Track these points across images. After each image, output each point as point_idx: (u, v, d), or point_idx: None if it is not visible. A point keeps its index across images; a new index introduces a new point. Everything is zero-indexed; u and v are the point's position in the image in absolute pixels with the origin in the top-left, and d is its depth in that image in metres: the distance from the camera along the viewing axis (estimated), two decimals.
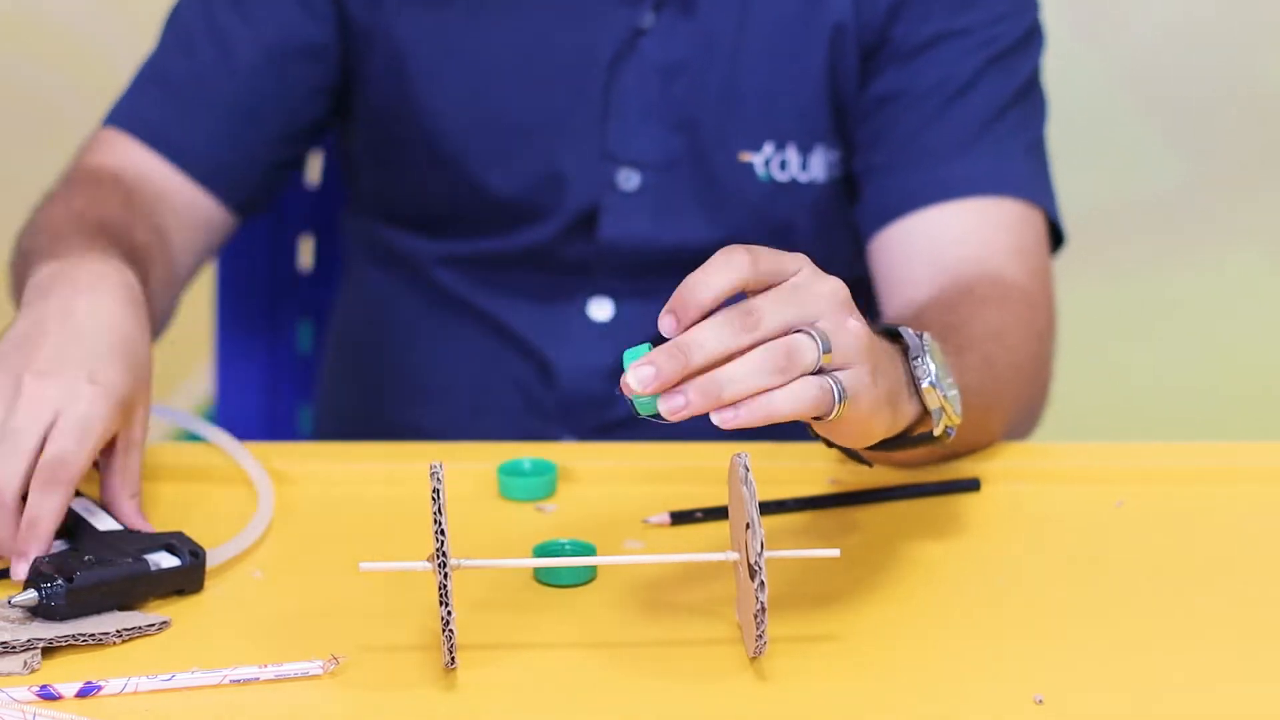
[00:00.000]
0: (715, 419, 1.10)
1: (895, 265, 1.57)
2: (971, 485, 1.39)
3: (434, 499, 1.12)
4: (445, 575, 1.11)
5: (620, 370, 1.15)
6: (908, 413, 1.21)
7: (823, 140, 1.65)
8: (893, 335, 1.24)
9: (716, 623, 1.20)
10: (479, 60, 1.64)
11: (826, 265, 1.70)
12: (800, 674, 1.15)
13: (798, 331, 1.12)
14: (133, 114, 1.65)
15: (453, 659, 1.13)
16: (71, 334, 1.29)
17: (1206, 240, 2.57)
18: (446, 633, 1.12)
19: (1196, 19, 2.50)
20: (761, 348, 1.11)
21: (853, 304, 1.15)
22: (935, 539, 1.32)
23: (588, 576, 1.25)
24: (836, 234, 1.69)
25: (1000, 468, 1.42)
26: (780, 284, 1.13)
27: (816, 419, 1.13)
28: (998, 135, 1.58)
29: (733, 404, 1.10)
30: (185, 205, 1.63)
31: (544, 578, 1.25)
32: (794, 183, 1.65)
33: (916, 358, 1.21)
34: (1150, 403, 2.59)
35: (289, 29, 1.64)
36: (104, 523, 1.28)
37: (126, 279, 1.34)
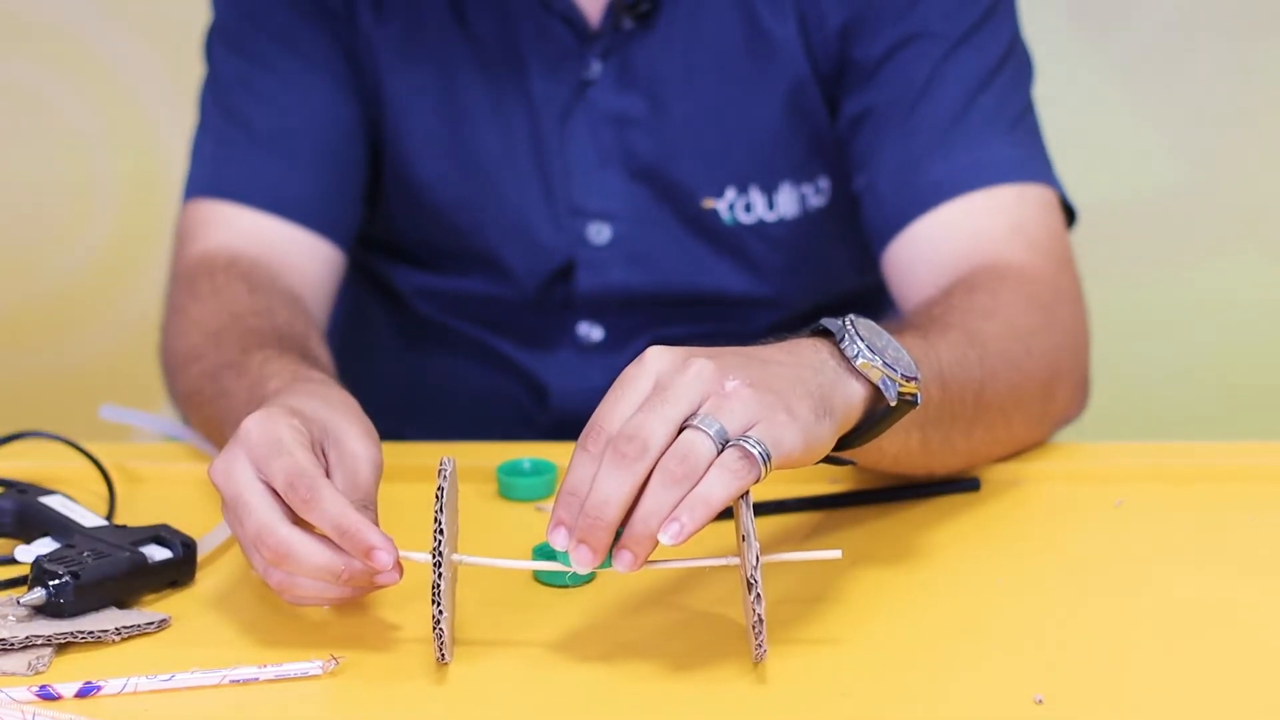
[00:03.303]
0: (666, 542, 1.09)
1: (901, 277, 1.55)
2: (971, 485, 1.39)
3: (437, 497, 1.12)
4: (439, 575, 1.11)
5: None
6: (853, 400, 1.18)
7: (788, 177, 1.64)
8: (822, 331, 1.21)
9: (716, 623, 1.20)
10: (450, 114, 1.63)
11: (816, 292, 1.70)
12: (800, 674, 1.15)
13: (683, 429, 1.11)
14: (226, 180, 1.61)
15: (443, 655, 1.13)
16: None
17: (1206, 240, 2.57)
18: (437, 631, 1.12)
19: (1196, 18, 2.50)
20: (657, 469, 1.10)
21: (726, 368, 1.13)
22: (935, 539, 1.32)
23: (588, 577, 1.25)
24: (822, 259, 1.68)
25: (1000, 468, 1.42)
26: (649, 396, 1.12)
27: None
28: (973, 125, 1.55)
29: (670, 522, 1.09)
30: (306, 257, 1.60)
31: (544, 578, 1.25)
32: (761, 223, 1.65)
33: (841, 340, 1.19)
34: (1150, 403, 2.59)
35: (322, 73, 1.62)
36: (88, 519, 1.28)
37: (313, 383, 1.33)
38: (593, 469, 1.11)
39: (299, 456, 1.17)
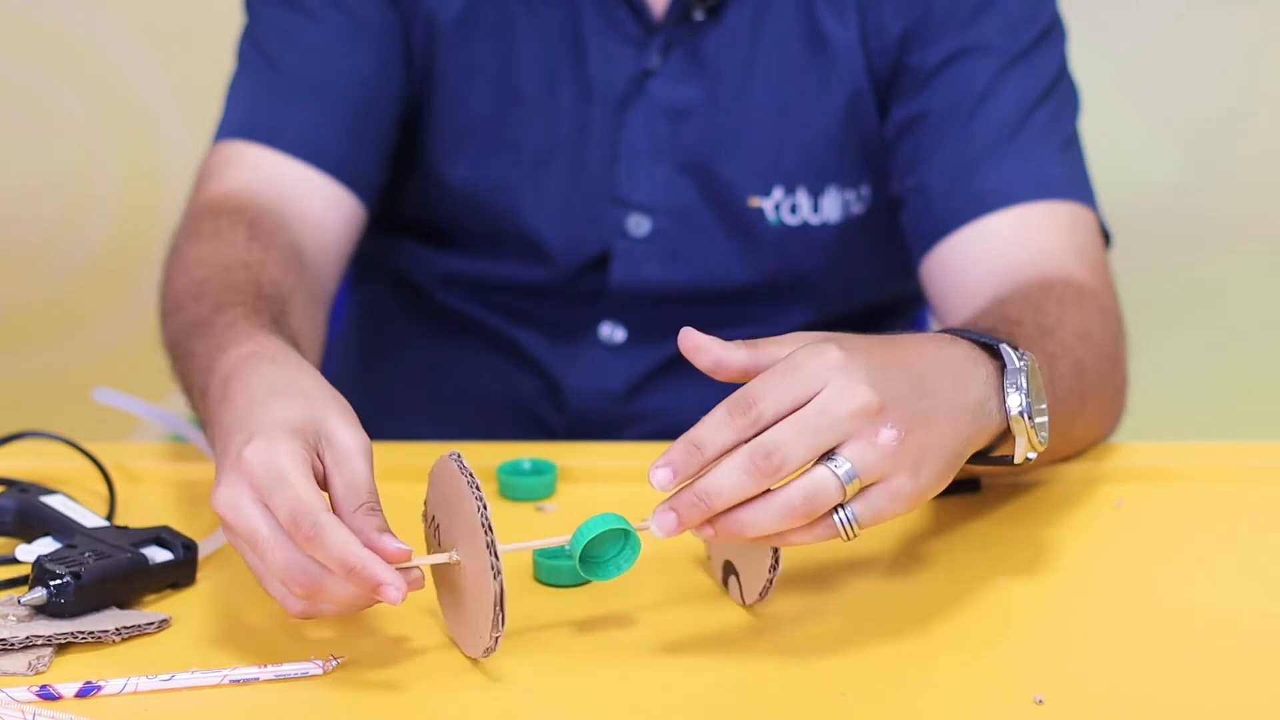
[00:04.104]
0: (732, 538, 1.12)
1: (950, 279, 1.55)
2: (972, 485, 1.39)
3: (471, 487, 1.12)
4: (498, 575, 1.11)
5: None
6: (980, 445, 1.20)
7: (835, 181, 1.63)
8: (987, 346, 1.21)
9: (716, 623, 1.20)
10: (498, 89, 1.63)
11: (844, 299, 1.70)
12: (800, 674, 1.15)
13: (820, 461, 1.11)
14: (258, 122, 1.59)
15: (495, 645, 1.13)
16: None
17: (1206, 240, 2.57)
18: (499, 610, 1.11)
19: (1197, 19, 2.50)
20: (783, 494, 1.11)
21: (888, 411, 1.12)
22: (935, 539, 1.32)
23: (588, 578, 1.24)
24: (855, 266, 1.68)
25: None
26: (804, 407, 1.11)
27: None
28: (1029, 138, 1.55)
29: (757, 534, 1.12)
30: (324, 205, 1.58)
31: (544, 578, 1.25)
32: (805, 226, 1.64)
33: (1012, 386, 1.19)
34: (1150, 403, 2.59)
35: (371, 13, 1.61)
36: (89, 519, 1.28)
37: (274, 349, 1.30)
38: (726, 438, 1.11)
39: (301, 490, 1.15)
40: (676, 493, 1.11)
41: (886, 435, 1.12)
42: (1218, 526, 1.36)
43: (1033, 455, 1.21)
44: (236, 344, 1.29)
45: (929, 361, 1.17)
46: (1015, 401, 1.19)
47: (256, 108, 1.60)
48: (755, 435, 1.11)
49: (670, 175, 1.63)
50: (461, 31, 1.62)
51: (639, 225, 1.64)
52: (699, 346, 1.16)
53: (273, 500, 1.15)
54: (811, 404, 1.11)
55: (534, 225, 1.65)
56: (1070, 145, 1.58)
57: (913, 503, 1.14)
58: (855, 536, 1.12)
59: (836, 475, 1.11)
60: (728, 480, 1.10)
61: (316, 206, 1.58)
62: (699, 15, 1.60)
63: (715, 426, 1.11)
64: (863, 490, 1.12)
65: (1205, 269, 2.58)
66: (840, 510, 1.12)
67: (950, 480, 1.17)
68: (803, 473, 1.11)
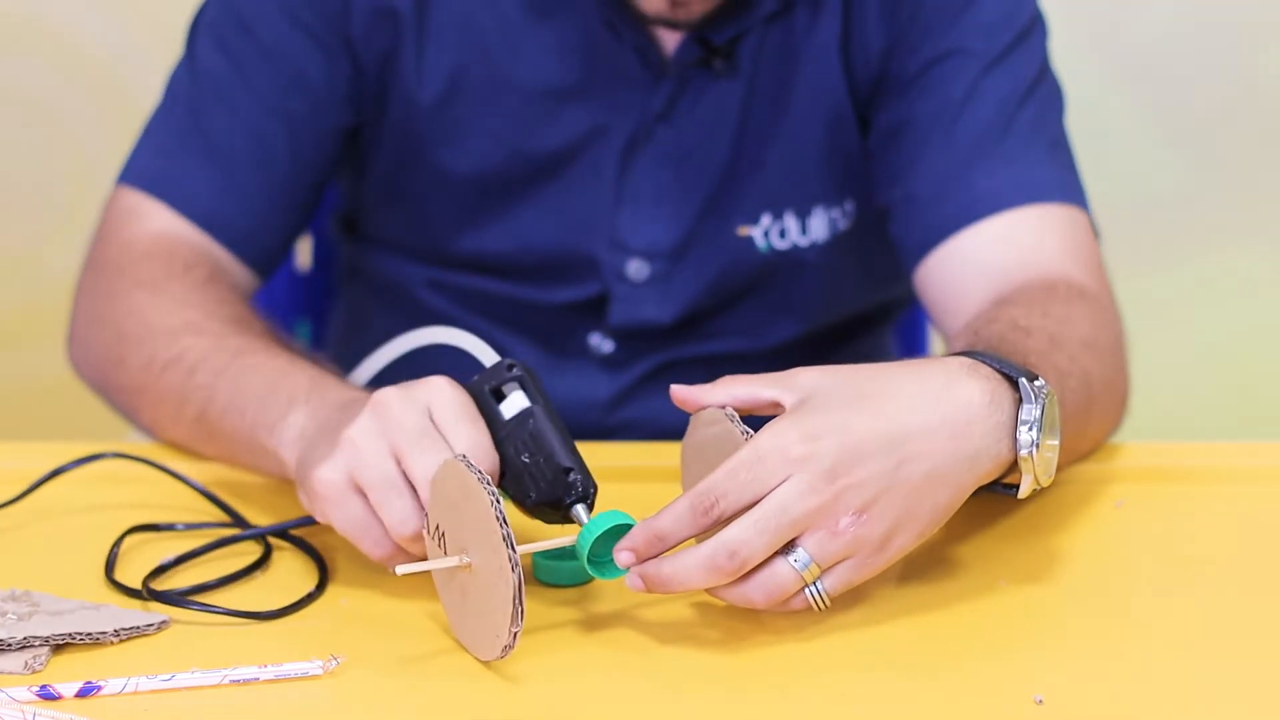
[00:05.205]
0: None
1: (946, 288, 1.54)
2: None
3: (482, 483, 1.12)
4: (516, 567, 1.11)
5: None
6: (981, 482, 1.21)
7: (821, 201, 1.63)
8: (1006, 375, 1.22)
9: (715, 623, 1.20)
10: (497, 146, 1.60)
11: (832, 310, 1.69)
12: (799, 673, 1.15)
13: (779, 553, 1.15)
14: (170, 181, 1.57)
15: (513, 640, 1.13)
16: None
17: (1206, 240, 2.57)
18: (518, 605, 1.12)
19: (1196, 19, 2.50)
20: (743, 588, 1.16)
21: (844, 500, 1.15)
22: (936, 539, 1.32)
23: (587, 577, 1.25)
24: (844, 280, 1.68)
25: None
26: (764, 501, 1.15)
27: None
28: (1014, 141, 1.54)
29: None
30: (225, 273, 1.58)
31: (544, 578, 1.25)
32: (795, 248, 1.64)
33: (1024, 424, 1.20)
34: (1150, 403, 2.59)
35: (310, 81, 1.58)
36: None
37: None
38: (687, 533, 1.16)
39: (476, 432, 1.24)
40: (644, 564, 1.16)
41: (845, 523, 1.15)
42: (1218, 526, 1.36)
43: (1039, 488, 1.22)
44: (299, 363, 1.38)
45: (924, 414, 1.18)
46: (1026, 440, 1.20)
47: (172, 164, 1.57)
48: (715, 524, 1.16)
49: (671, 218, 1.62)
50: (447, 100, 1.59)
51: (639, 271, 1.64)
52: (684, 401, 1.23)
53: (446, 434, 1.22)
54: (771, 500, 1.15)
55: (531, 274, 1.65)
56: (1058, 145, 1.57)
57: (884, 568, 1.18)
58: (829, 606, 1.17)
59: (794, 568, 1.15)
60: (692, 577, 1.15)
61: (223, 271, 1.57)
62: (719, 65, 1.58)
63: (677, 520, 1.16)
64: (829, 568, 1.16)
65: (1206, 268, 2.58)
66: (810, 586, 1.16)
67: (935, 531, 1.20)
68: (762, 565, 1.15)
